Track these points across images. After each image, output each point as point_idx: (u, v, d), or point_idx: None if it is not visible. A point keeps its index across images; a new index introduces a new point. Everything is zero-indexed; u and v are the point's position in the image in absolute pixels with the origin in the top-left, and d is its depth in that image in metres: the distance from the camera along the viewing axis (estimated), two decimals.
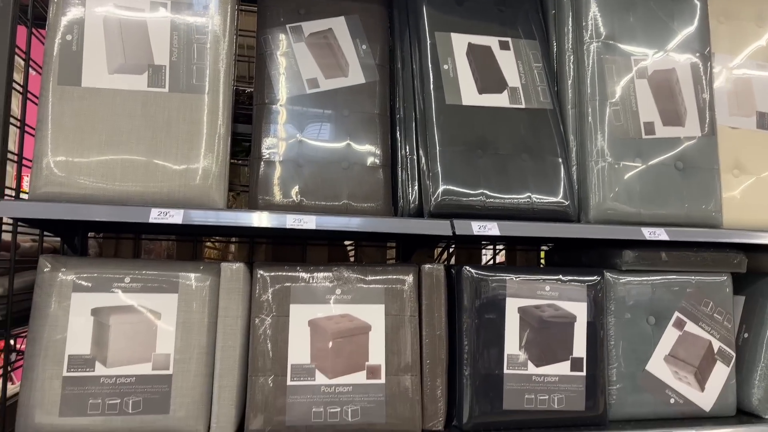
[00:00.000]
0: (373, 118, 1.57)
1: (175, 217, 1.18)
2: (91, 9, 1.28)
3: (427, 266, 1.41)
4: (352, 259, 1.93)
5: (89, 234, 1.61)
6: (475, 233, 1.36)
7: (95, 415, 1.19)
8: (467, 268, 1.41)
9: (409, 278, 1.40)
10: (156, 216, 1.16)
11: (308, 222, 1.28)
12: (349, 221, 1.34)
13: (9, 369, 1.35)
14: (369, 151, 1.54)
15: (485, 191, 1.43)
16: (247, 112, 1.59)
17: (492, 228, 1.37)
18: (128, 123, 1.26)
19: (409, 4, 1.61)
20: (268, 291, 1.33)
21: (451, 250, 1.99)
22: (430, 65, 1.51)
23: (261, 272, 1.34)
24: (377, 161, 1.53)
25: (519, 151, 1.49)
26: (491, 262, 2.06)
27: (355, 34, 1.63)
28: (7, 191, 1.19)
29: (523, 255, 2.03)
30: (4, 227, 1.17)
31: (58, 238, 1.51)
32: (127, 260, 1.32)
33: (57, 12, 1.26)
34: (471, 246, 2.03)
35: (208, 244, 1.80)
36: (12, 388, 1.36)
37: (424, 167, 1.46)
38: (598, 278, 1.48)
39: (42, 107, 1.22)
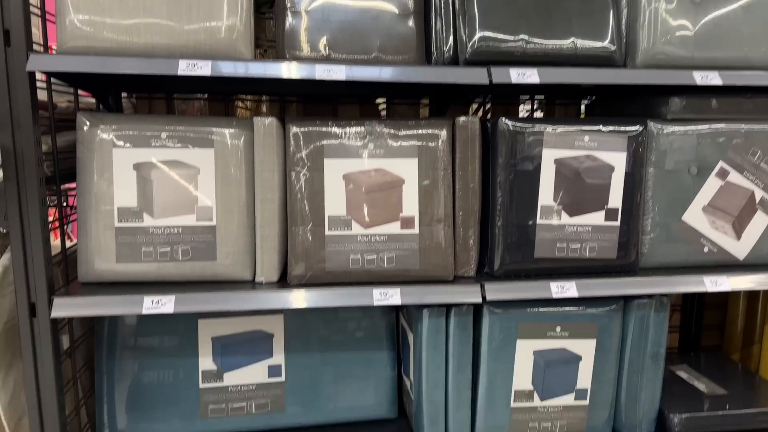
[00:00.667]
0: None
1: (204, 68, 1.15)
2: None
3: (462, 119, 1.37)
4: (384, 116, 1.90)
5: (122, 94, 1.62)
6: (514, 81, 1.30)
7: (149, 261, 1.28)
8: (503, 119, 1.37)
9: (443, 132, 1.37)
10: (184, 68, 1.14)
11: (338, 72, 1.24)
12: (381, 71, 1.29)
13: (65, 222, 1.43)
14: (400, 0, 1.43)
15: (525, 36, 1.34)
16: None
17: (532, 75, 1.30)
18: None
19: None
20: (301, 145, 1.33)
21: (487, 106, 1.93)
22: None
23: (294, 128, 1.33)
24: (408, 7, 1.43)
25: None
26: (528, 113, 1.99)
27: None
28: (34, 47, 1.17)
29: (562, 109, 1.95)
30: (38, 86, 1.17)
31: (93, 100, 1.52)
32: (162, 116, 1.32)
33: None
34: (508, 101, 1.95)
35: (239, 103, 1.78)
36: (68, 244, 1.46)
37: (460, 13, 1.36)
38: (641, 128, 1.42)
39: None
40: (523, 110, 2.01)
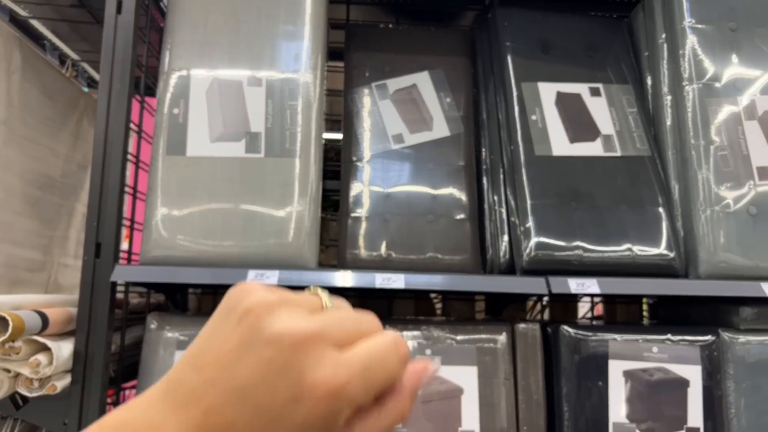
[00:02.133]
0: (458, 170, 1.56)
1: (271, 278, 1.21)
2: (195, 83, 1.38)
3: (521, 325, 1.35)
4: (439, 312, 1.90)
5: (189, 290, 1.70)
6: (573, 291, 1.29)
7: None
8: (565, 327, 1.34)
9: (502, 337, 1.34)
10: (253, 277, 1.20)
11: (397, 281, 1.27)
12: (440, 280, 1.32)
13: None
14: (455, 203, 1.53)
15: (582, 245, 1.37)
16: (336, 168, 1.64)
17: (591, 285, 1.29)
18: (227, 187, 1.33)
19: (493, 55, 1.61)
20: None
21: (544, 302, 1.91)
22: (517, 116, 1.48)
23: None
24: (464, 214, 1.52)
25: (617, 201, 1.41)
26: (588, 314, 1.95)
27: (439, 87, 1.65)
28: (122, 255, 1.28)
29: (623, 308, 1.90)
30: (117, 288, 1.26)
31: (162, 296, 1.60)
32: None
33: (165, 88, 1.37)
34: (566, 298, 1.93)
35: None
36: None
37: (515, 221, 1.42)
38: (713, 338, 1.35)
39: (152, 176, 1.31)
40: (583, 306, 1.98)
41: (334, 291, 1.68)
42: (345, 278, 1.26)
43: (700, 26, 1.46)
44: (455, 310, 1.86)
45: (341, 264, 1.45)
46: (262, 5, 1.45)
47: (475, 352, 1.32)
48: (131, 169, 1.41)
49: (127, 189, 1.32)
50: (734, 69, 1.44)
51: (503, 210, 1.49)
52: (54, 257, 1.62)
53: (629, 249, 1.37)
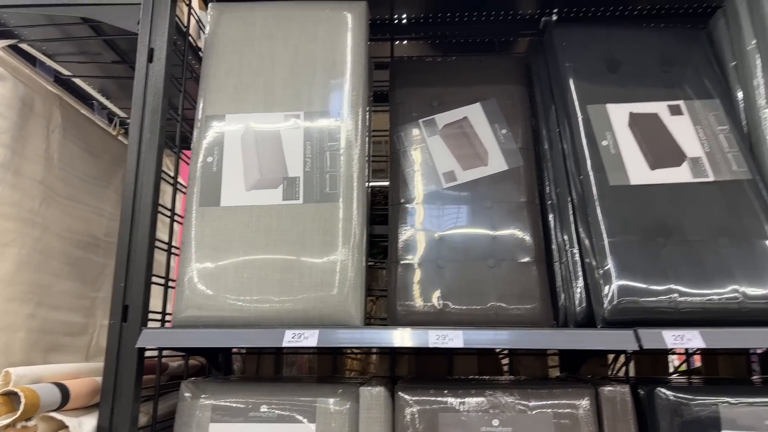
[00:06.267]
0: (520, 208, 1.39)
1: (310, 339, 1.07)
2: (230, 129, 1.31)
3: (608, 388, 1.13)
4: (505, 368, 1.68)
5: (233, 350, 1.59)
6: (670, 346, 1.06)
7: None
8: (661, 389, 1.11)
9: (584, 402, 1.12)
10: (290, 339, 1.07)
11: (454, 339, 1.10)
12: (505, 337, 1.13)
13: None
14: (518, 244, 1.35)
15: (676, 288, 1.14)
16: (384, 212, 1.51)
17: (693, 338, 1.06)
18: (264, 238, 1.22)
19: (552, 79, 1.45)
20: (415, 420, 1.14)
21: (629, 354, 1.66)
22: (585, 143, 1.30)
23: (404, 397, 1.16)
24: (529, 256, 1.33)
25: (714, 234, 1.19)
26: (682, 367, 1.67)
27: (492, 119, 1.50)
28: (153, 315, 1.18)
29: (726, 359, 1.62)
30: (150, 352, 1.16)
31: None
32: (265, 384, 1.23)
33: (200, 136, 1.30)
34: (654, 351, 1.67)
35: (350, 354, 1.69)
36: None
37: (592, 262, 1.22)
38: None
39: (186, 230, 1.23)
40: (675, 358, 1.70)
41: (385, 350, 1.51)
42: (394, 337, 1.10)
43: None
44: (525, 367, 1.65)
45: (391, 318, 1.30)
46: (299, 44, 1.37)
47: (551, 421, 1.11)
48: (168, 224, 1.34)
49: (164, 245, 1.24)
50: None
51: (575, 250, 1.29)
52: (97, 319, 1.56)
53: (735, 291, 1.14)
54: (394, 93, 1.57)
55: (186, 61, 1.40)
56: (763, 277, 1.15)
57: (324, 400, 1.17)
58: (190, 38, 1.43)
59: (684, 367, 1.77)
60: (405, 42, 1.81)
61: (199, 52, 1.57)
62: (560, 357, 1.62)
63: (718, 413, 1.08)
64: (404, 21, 1.71)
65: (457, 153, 1.47)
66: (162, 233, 1.30)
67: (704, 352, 1.64)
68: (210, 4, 1.40)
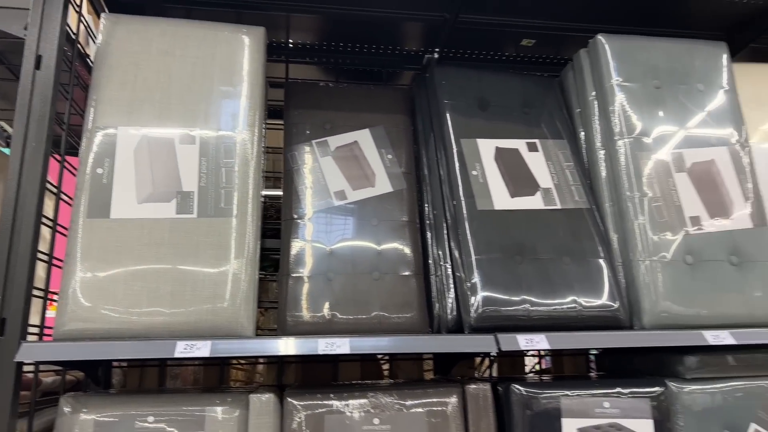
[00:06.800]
0: (402, 226, 1.53)
1: (202, 349, 1.11)
2: (122, 141, 1.30)
3: (472, 386, 1.30)
4: (386, 373, 1.82)
5: (113, 363, 1.55)
6: (522, 348, 1.25)
7: None
8: (515, 386, 1.29)
9: (453, 399, 1.28)
10: (182, 350, 1.10)
11: (342, 346, 1.20)
12: (386, 343, 1.25)
13: None
14: (400, 259, 1.49)
15: (528, 298, 1.34)
16: (275, 226, 1.57)
17: (540, 341, 1.26)
18: (155, 251, 1.23)
19: (432, 112, 1.62)
20: (302, 423, 1.22)
21: (493, 357, 1.87)
22: (458, 172, 1.48)
23: (292, 401, 1.24)
24: (409, 270, 1.48)
25: (560, 254, 1.42)
26: (536, 366, 1.92)
27: (380, 144, 1.64)
28: (32, 328, 1.14)
29: (570, 359, 1.89)
30: (26, 366, 1.12)
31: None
32: (150, 395, 1.23)
33: (89, 146, 1.29)
34: (515, 352, 1.90)
35: (236, 364, 1.72)
36: None
37: (461, 276, 1.39)
38: (661, 389, 1.34)
39: (71, 241, 1.20)
40: (531, 360, 1.95)
41: (273, 360, 1.57)
42: (285, 346, 1.18)
43: (627, 84, 1.53)
44: (403, 371, 1.79)
45: (281, 329, 1.37)
46: (196, 62, 1.41)
47: (425, 418, 1.25)
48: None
49: (44, 257, 1.20)
50: (661, 124, 1.51)
51: (448, 265, 1.46)
52: None
53: (574, 301, 1.36)
54: (289, 113, 1.65)
55: (74, 68, 1.37)
56: (597, 290, 1.39)
57: (213, 409, 1.21)
58: (78, 45, 1.40)
59: (538, 367, 2.03)
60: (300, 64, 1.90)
61: (87, 59, 1.54)
62: (434, 361, 1.78)
63: (559, 404, 1.29)
64: (299, 46, 1.80)
65: (347, 174, 1.58)
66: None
67: (554, 354, 1.90)
68: (103, 15, 1.39)
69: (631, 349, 1.63)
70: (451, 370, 1.70)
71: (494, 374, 1.92)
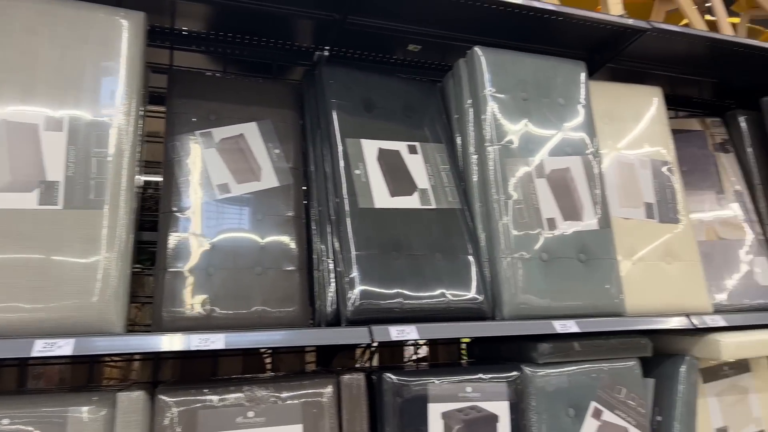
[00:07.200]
0: (287, 221, 1.55)
1: (64, 348, 1.07)
2: None
3: (346, 377, 1.36)
4: (269, 366, 1.83)
5: None
6: (394, 339, 1.34)
7: None
8: (387, 375, 1.38)
9: (328, 390, 1.33)
10: (41, 348, 1.05)
11: (216, 341, 1.21)
12: (263, 337, 1.28)
13: None
14: (284, 254, 1.51)
15: (402, 292, 1.43)
16: (154, 219, 1.53)
17: (411, 332, 1.35)
18: (15, 244, 1.16)
19: (320, 110, 1.66)
20: (174, 419, 1.21)
21: (373, 348, 1.95)
22: (342, 170, 1.53)
23: (164, 398, 1.22)
24: (293, 265, 1.51)
25: (432, 250, 1.52)
26: (414, 356, 2.03)
27: (267, 138, 1.64)
28: None
29: (444, 348, 2.02)
30: None
31: None
32: (7, 397, 1.16)
33: None
34: (395, 343, 2.00)
35: (110, 362, 1.65)
36: None
37: (341, 271, 1.44)
38: (517, 373, 1.49)
39: None
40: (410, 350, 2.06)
41: (150, 356, 1.53)
42: (156, 342, 1.16)
43: (499, 95, 1.66)
44: (285, 364, 1.82)
45: (156, 324, 1.34)
46: (67, 44, 1.33)
47: (300, 409, 1.29)
48: None
49: None
50: (527, 133, 1.66)
51: (330, 261, 1.51)
52: None
53: (443, 294, 1.47)
54: (172, 102, 1.60)
55: None
56: (465, 284, 1.51)
57: (77, 409, 1.16)
58: None
59: (416, 356, 2.16)
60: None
61: None
62: (316, 353, 1.83)
63: (426, 390, 1.39)
64: (187, 33, 1.75)
65: (232, 167, 1.57)
66: None
67: (429, 344, 2.02)
68: None
69: (496, 338, 1.78)
70: (332, 362, 1.76)
71: (376, 364, 2.01)
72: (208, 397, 1.25)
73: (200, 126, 1.60)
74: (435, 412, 1.38)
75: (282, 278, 1.49)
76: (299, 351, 1.83)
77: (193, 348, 1.18)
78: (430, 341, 2.03)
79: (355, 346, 1.85)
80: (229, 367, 1.74)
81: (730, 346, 1.62)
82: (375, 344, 1.97)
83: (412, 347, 2.00)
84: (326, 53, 1.83)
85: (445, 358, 2.03)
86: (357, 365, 1.94)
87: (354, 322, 1.37)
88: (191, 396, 1.24)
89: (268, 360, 1.82)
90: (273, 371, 1.85)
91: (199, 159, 1.55)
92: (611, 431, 1.55)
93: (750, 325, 1.75)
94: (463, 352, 2.03)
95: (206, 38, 1.78)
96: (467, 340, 2.02)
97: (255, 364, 1.78)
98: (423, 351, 2.05)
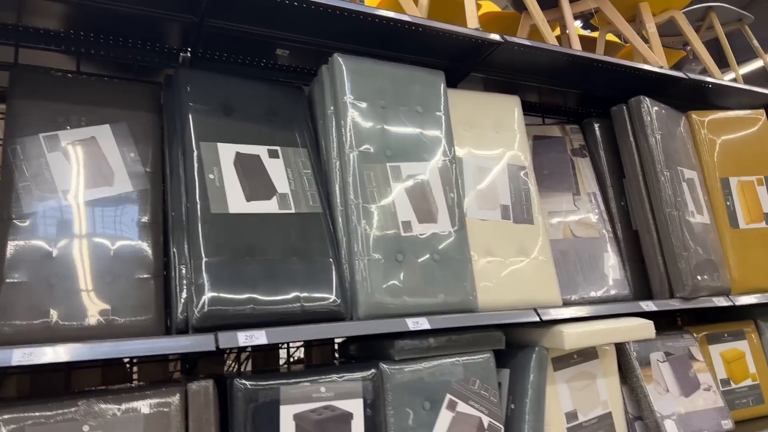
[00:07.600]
0: (142, 227, 1.52)
1: None
2: None
3: (194, 384, 1.35)
4: (135, 377, 1.78)
5: None
6: (242, 344, 1.34)
7: None
8: (237, 380, 1.38)
9: (174, 399, 1.32)
10: None
11: (45, 355, 1.16)
12: (104, 349, 1.24)
13: None
14: (138, 262, 1.48)
15: (254, 297, 1.44)
16: None
17: (260, 337, 1.36)
18: None
19: (177, 113, 1.63)
20: None
21: (248, 352, 1.94)
22: (195, 175, 1.51)
23: None
24: (147, 272, 1.48)
25: (289, 254, 1.53)
26: (291, 359, 2.04)
27: (122, 142, 1.59)
28: None
29: (318, 349, 2.05)
30: None
31: None
32: None
33: None
34: (268, 348, 2.00)
35: None
36: None
37: (192, 277, 1.43)
38: (374, 371, 1.54)
39: None
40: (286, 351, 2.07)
41: None
42: None
43: (358, 102, 1.71)
44: (148, 374, 1.77)
45: None
46: None
47: (142, 421, 1.27)
48: None
49: None
50: (385, 140, 1.72)
51: (183, 267, 1.49)
52: None
53: (298, 298, 1.49)
54: (14, 102, 1.52)
55: None
56: (321, 287, 1.54)
57: None
58: None
59: (292, 359, 2.17)
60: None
61: None
62: (181, 361, 1.80)
63: (278, 393, 1.40)
64: (31, 30, 1.66)
65: (80, 172, 1.51)
66: None
67: (305, 347, 2.04)
68: None
69: (363, 337, 1.84)
70: (196, 367, 1.74)
71: (249, 368, 2.00)
72: (40, 413, 1.20)
73: (45, 128, 1.53)
74: (287, 414, 1.40)
75: (135, 286, 1.45)
76: (163, 360, 1.79)
77: (14, 363, 1.12)
78: (306, 343, 2.05)
79: (224, 352, 1.83)
80: (89, 379, 1.67)
81: (572, 336, 1.76)
82: (249, 349, 1.97)
83: (286, 351, 2.01)
84: (189, 55, 1.80)
85: (319, 359, 2.05)
86: (226, 370, 1.93)
87: (200, 329, 1.37)
88: (20, 413, 1.19)
89: (135, 370, 1.76)
90: (139, 380, 1.80)
91: (44, 163, 1.48)
92: (465, 421, 1.64)
93: (595, 315, 1.92)
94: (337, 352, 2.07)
95: (56, 36, 1.69)
96: (340, 340, 2.06)
97: (116, 375, 1.72)
98: (301, 353, 2.06)
